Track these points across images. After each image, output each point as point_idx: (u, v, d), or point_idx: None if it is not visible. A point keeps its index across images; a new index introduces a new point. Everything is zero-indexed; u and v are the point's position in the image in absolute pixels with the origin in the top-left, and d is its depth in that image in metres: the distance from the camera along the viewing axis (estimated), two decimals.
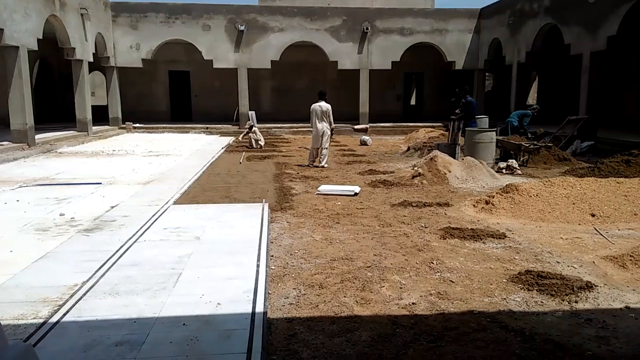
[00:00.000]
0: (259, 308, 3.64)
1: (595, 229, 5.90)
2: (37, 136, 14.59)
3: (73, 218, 6.39)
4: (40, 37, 14.43)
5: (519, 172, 10.24)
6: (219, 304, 3.72)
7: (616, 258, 4.75)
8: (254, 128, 15.64)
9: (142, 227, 5.94)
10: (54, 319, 3.48)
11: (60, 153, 13.91)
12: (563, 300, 3.86)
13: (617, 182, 7.05)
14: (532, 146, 11.40)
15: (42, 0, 14.59)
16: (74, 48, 16.96)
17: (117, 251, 5.01)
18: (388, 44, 22.34)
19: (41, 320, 3.48)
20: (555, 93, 22.54)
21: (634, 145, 10.43)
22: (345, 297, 3.92)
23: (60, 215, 6.50)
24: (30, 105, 14.05)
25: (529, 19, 18.47)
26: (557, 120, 15.71)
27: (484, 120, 16.00)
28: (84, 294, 3.92)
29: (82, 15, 17.48)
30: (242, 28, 21.42)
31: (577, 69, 16.02)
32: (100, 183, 8.95)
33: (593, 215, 6.30)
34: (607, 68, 17.05)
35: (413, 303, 3.81)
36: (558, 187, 6.92)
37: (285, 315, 3.61)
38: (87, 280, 4.20)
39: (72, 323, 3.44)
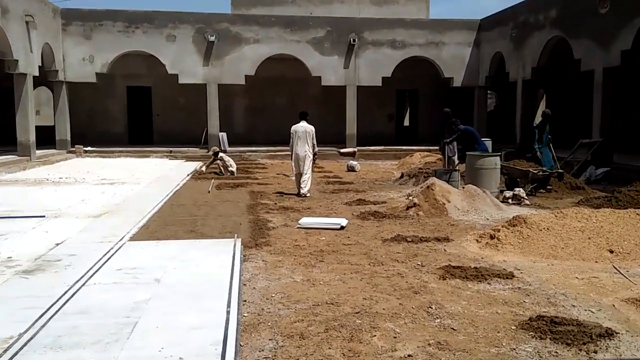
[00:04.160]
0: None
1: (614, 267, 5.96)
2: None
3: (10, 257, 6.26)
4: None
5: (527, 202, 10.37)
6: (181, 358, 3.64)
7: (639, 300, 4.78)
8: (220, 154, 15.62)
9: (92, 267, 5.85)
10: None
11: None
12: (580, 350, 3.86)
13: (638, 214, 7.17)
14: (541, 173, 11.58)
15: None
16: (17, 60, 16.93)
17: (62, 296, 4.90)
18: (378, 57, 22.74)
19: None
20: (565, 113, 23.04)
21: None
22: (330, 349, 3.87)
23: None
24: None
25: (534, 31, 19.01)
26: (568, 143, 16.02)
27: (486, 144, 16.23)
28: (21, 348, 3.80)
29: (27, 23, 17.50)
30: (212, 39, 21.63)
31: (589, 86, 16.45)
32: (43, 216, 8.83)
33: (611, 252, 6.36)
34: (622, 85, 17.52)
35: (409, 355, 3.78)
36: (571, 220, 7.01)
37: None
38: (25, 332, 4.09)
39: None
